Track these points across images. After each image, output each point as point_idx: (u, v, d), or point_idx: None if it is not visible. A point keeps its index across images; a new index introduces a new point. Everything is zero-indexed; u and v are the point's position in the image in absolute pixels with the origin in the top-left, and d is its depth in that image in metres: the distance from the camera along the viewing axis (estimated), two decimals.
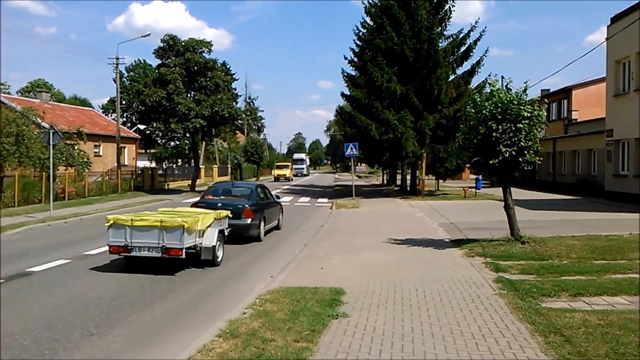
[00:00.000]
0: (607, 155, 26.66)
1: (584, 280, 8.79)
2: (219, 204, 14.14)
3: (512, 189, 12.91)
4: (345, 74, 34.41)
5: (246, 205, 14.63)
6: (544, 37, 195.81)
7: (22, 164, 24.04)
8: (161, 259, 10.44)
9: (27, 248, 13.68)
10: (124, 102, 42.18)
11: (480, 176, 33.10)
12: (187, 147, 57.21)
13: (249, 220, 14.35)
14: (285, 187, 47.06)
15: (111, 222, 10.60)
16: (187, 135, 39.06)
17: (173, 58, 36.28)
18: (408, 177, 37.37)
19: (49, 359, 6.06)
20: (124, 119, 54.08)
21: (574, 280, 8.81)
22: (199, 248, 10.75)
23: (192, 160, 46.51)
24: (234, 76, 40.29)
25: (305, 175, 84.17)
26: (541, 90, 42.36)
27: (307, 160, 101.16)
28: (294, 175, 78.23)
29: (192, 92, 36.56)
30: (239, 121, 60.55)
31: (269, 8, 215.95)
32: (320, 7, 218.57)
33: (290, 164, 75.28)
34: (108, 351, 6.32)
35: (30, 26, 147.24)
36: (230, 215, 12.75)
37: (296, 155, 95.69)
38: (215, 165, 63.24)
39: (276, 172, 67.97)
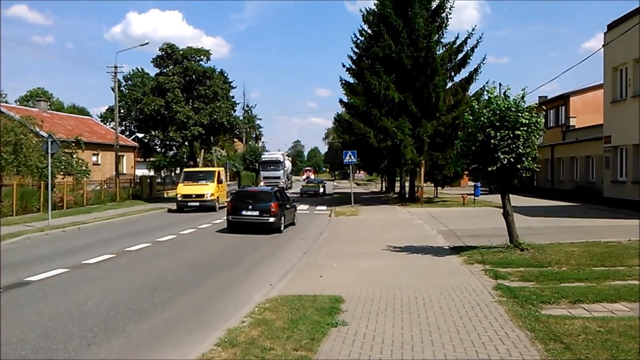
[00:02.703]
0: (605, 162, 26.70)
1: (584, 287, 8.78)
2: (310, 184, 51.59)
3: (510, 195, 12.92)
4: (344, 82, 34.46)
5: (319, 184, 50.91)
6: (539, 45, 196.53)
7: (20, 173, 24.05)
8: (315, 194, 46.47)
9: (25, 257, 13.64)
10: (122, 111, 42.15)
11: (479, 183, 33.20)
12: (185, 156, 57.16)
13: (323, 189, 49.38)
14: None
15: (303, 185, 54.32)
16: (186, 143, 39.10)
17: (171, 67, 36.41)
18: (407, 184, 37.40)
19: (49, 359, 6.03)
20: (123, 128, 53.90)
21: (573, 287, 8.79)
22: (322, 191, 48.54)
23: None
24: (231, 84, 40.41)
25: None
26: (539, 97, 42.55)
27: (288, 164, 65.18)
28: None
29: (191, 101, 36.62)
30: (238, 130, 57.88)
31: (266, 16, 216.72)
32: (317, 15, 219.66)
33: (220, 171, 33.43)
34: None
35: (27, 35, 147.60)
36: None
37: (267, 156, 60.21)
38: None
39: (181, 189, 30.26)
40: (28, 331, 7.30)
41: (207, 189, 29.71)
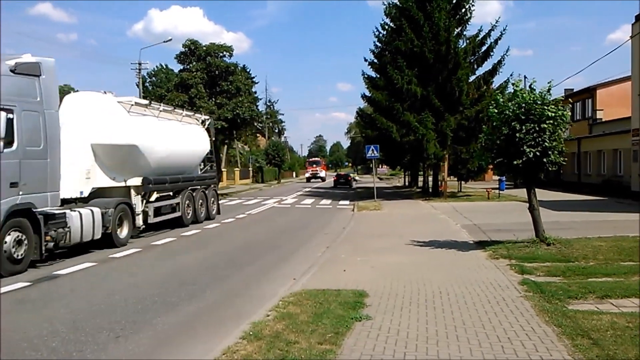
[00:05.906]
0: (633, 155, 26.21)
1: (612, 282, 8.64)
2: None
3: (536, 189, 12.76)
4: (366, 76, 34.33)
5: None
6: (563, 37, 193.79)
7: None
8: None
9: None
10: None
11: (504, 177, 32.80)
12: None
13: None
14: (307, 189, 47.02)
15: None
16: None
17: (194, 63, 36.67)
18: (430, 178, 37.16)
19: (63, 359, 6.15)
20: None
21: (601, 282, 8.66)
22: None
23: (214, 164, 46.81)
24: (253, 79, 40.59)
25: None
26: (564, 89, 41.92)
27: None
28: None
29: (214, 96, 36.87)
30: (260, 124, 57.91)
31: (287, 12, 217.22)
32: (337, 9, 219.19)
33: None
34: (134, 354, 6.38)
35: (52, 32, 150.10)
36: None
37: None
38: (237, 169, 63.56)
39: None
40: (58, 324, 7.45)
41: None
